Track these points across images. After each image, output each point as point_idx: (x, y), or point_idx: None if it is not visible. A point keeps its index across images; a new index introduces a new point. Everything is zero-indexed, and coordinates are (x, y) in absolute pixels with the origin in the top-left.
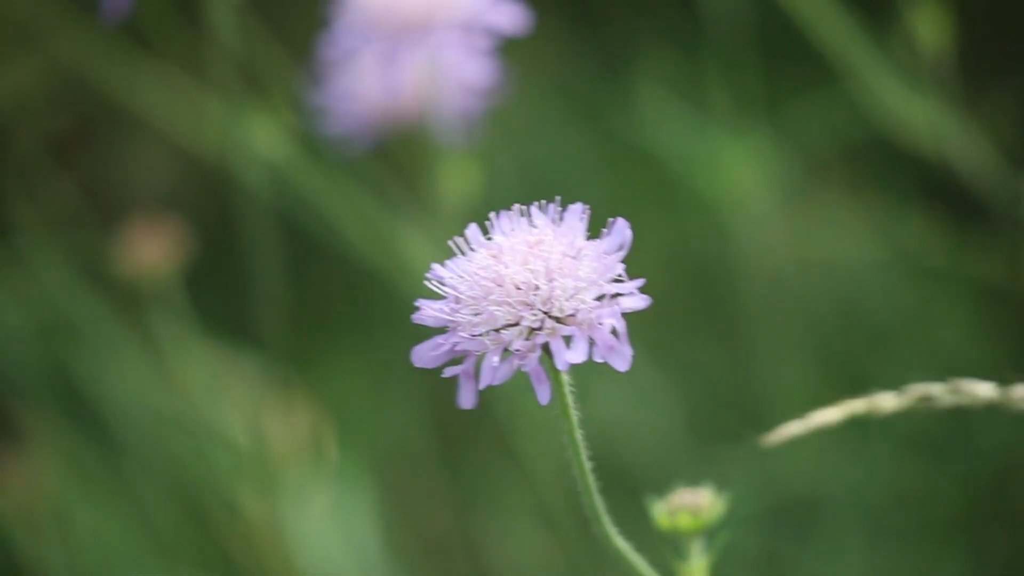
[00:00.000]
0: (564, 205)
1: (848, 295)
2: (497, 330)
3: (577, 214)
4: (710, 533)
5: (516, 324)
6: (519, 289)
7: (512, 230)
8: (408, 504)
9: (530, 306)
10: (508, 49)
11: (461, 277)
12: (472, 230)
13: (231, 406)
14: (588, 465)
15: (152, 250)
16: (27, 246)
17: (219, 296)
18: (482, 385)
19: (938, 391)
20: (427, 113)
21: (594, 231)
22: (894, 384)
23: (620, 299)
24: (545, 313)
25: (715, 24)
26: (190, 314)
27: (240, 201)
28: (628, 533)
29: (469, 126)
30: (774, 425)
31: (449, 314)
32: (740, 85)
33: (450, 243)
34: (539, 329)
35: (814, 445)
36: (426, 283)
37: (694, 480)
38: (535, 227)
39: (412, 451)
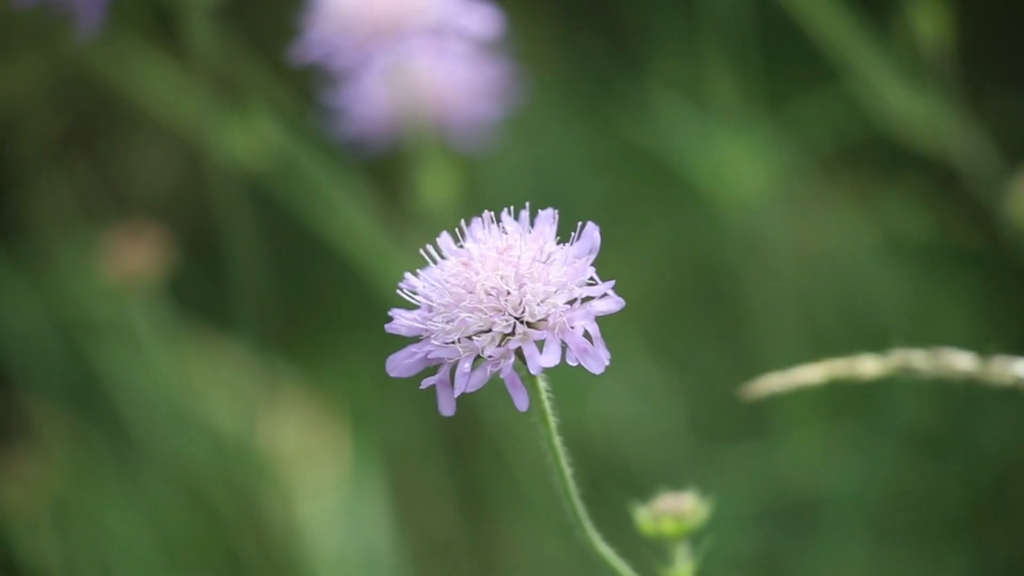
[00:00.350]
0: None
1: (850, 292)
2: (469, 337)
3: (548, 220)
4: (695, 537)
5: (488, 331)
6: (490, 295)
7: (484, 237)
8: (414, 503)
9: (501, 311)
10: (510, 48)
11: (433, 285)
12: (444, 238)
13: (236, 404)
14: (568, 471)
15: (137, 255)
16: (37, 243)
17: (220, 293)
18: (456, 393)
19: (919, 360)
20: (409, 118)
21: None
22: (894, 383)
23: (593, 302)
24: (516, 318)
25: (717, 23)
26: (190, 312)
27: (221, 202)
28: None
29: (484, 131)
30: (775, 424)
31: (422, 323)
32: (742, 82)
33: (422, 251)
34: (511, 335)
35: (816, 444)
36: (398, 293)
37: (695, 479)
38: (506, 233)
39: (417, 450)
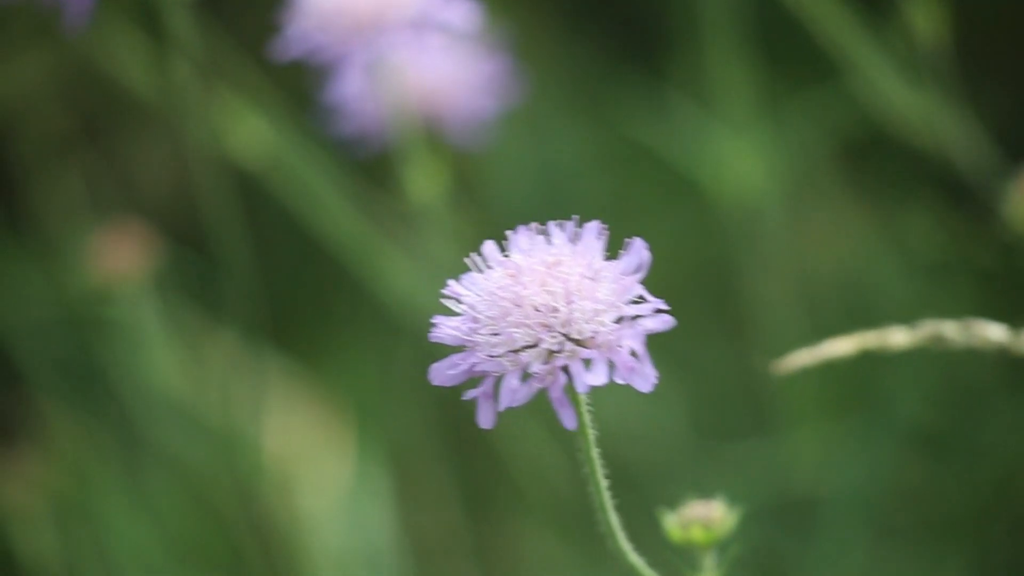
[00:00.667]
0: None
1: (851, 290)
2: (516, 351)
3: (594, 233)
4: (723, 545)
5: (535, 346)
6: (538, 311)
7: (530, 248)
8: (416, 501)
9: (549, 328)
10: (510, 44)
11: (479, 296)
12: (489, 247)
13: (238, 401)
14: (604, 483)
15: (126, 253)
16: (43, 238)
17: (222, 290)
18: (501, 407)
19: (951, 331)
20: (396, 114)
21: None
22: (895, 381)
23: (642, 321)
24: (564, 336)
25: (716, 20)
26: (191, 308)
27: (212, 200)
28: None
29: (482, 127)
30: (776, 422)
31: (467, 333)
32: (744, 80)
33: (467, 260)
34: (558, 352)
35: (817, 443)
36: (442, 300)
37: (696, 477)
38: (553, 245)
39: (419, 448)
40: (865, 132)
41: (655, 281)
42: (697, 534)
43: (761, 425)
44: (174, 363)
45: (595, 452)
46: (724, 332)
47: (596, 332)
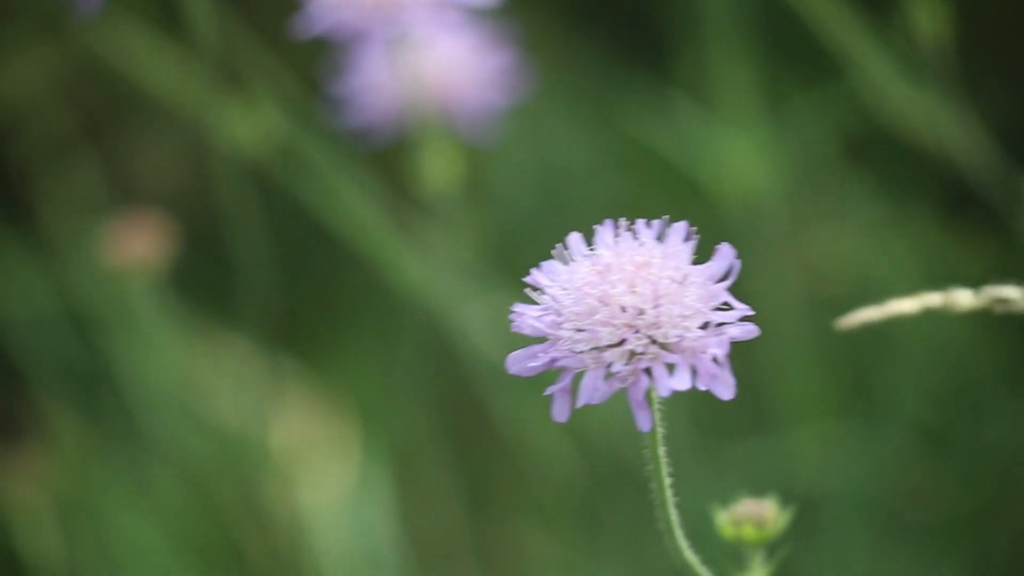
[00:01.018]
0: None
1: (854, 289)
2: (599, 349)
3: (682, 234)
4: (772, 546)
5: (618, 345)
6: (624, 311)
7: (617, 245)
8: (419, 500)
9: (635, 329)
10: (518, 38)
11: (565, 290)
12: (575, 238)
13: (242, 398)
14: (668, 481)
15: (140, 244)
16: (46, 234)
17: (228, 287)
18: (580, 403)
19: (1014, 293)
20: (413, 103)
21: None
22: (897, 380)
23: (728, 328)
24: (650, 338)
25: (719, 20)
26: (197, 305)
27: (225, 192)
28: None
29: (489, 120)
30: (777, 420)
31: (550, 326)
32: (744, 80)
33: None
34: (642, 354)
35: (818, 441)
36: (527, 290)
37: (697, 475)
38: (642, 244)
39: (423, 447)
40: (867, 131)
41: None
42: (749, 532)
43: (762, 424)
44: (178, 360)
45: (661, 450)
46: None
47: (681, 337)
